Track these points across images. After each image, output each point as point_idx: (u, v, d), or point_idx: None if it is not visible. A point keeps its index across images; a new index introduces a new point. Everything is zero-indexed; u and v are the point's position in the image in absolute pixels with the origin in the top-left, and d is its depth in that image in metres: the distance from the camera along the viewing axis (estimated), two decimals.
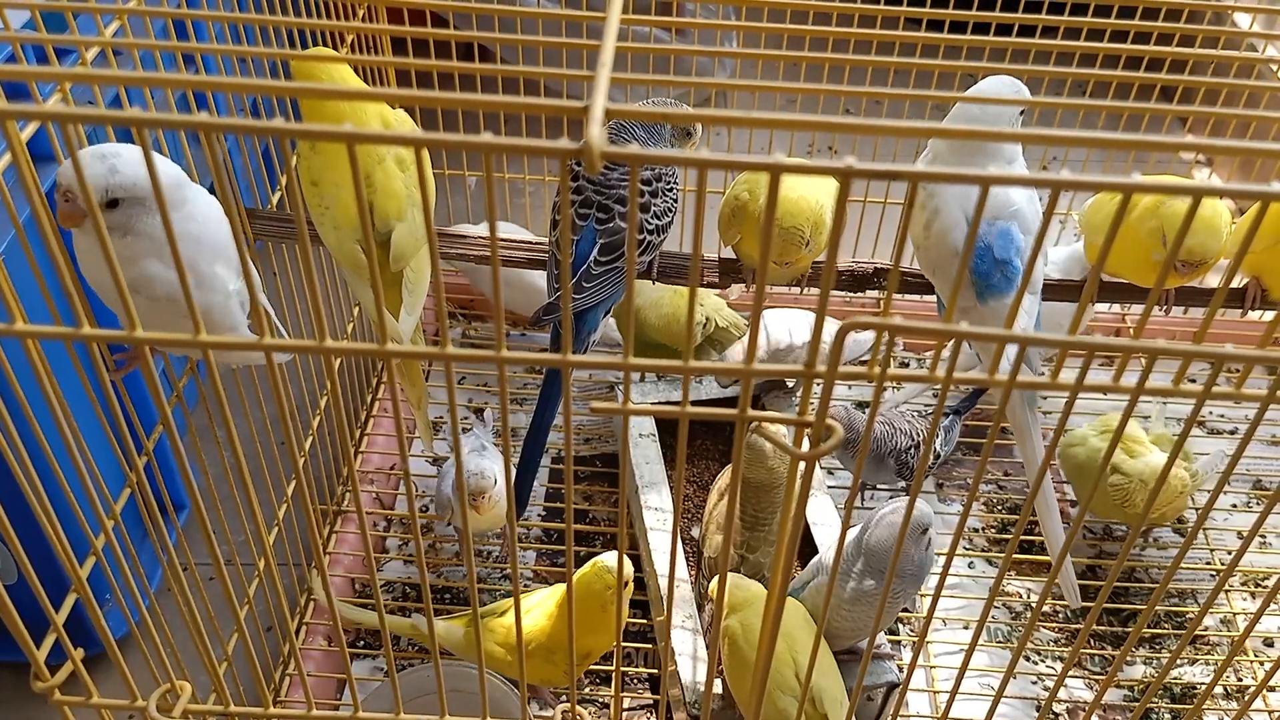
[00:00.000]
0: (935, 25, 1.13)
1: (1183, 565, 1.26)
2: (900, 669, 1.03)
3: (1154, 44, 0.97)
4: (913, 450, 1.17)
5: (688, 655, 1.01)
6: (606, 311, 1.00)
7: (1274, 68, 1.48)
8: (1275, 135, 1.39)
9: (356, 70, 1.00)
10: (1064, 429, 0.51)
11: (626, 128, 0.98)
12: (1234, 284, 1.07)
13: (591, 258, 0.95)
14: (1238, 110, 0.92)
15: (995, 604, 1.22)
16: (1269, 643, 1.20)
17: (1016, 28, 0.89)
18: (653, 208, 0.97)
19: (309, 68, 0.88)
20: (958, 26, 1.15)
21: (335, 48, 1.12)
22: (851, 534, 0.96)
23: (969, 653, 0.62)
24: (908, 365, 1.52)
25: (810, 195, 0.99)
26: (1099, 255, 0.45)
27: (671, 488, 1.17)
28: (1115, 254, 1.03)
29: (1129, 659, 1.16)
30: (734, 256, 1.07)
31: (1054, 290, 1.06)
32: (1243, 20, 1.74)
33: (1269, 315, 1.13)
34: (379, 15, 1.24)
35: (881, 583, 0.92)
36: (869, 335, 1.31)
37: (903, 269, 1.06)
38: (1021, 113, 0.97)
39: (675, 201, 1.00)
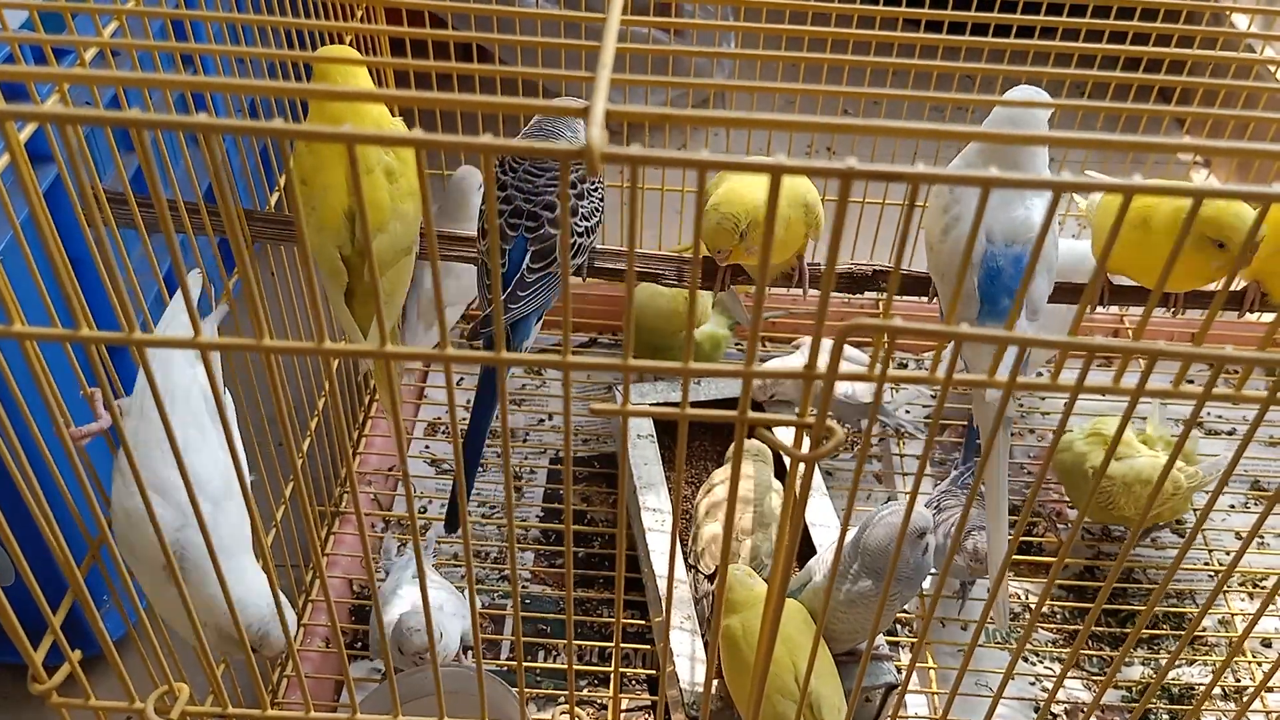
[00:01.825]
0: (934, 26, 1.13)
1: (1181, 566, 1.26)
2: (898, 670, 1.03)
3: (1152, 45, 0.97)
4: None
5: (686, 656, 1.01)
6: (538, 319, 0.99)
7: (1272, 68, 1.48)
8: (1273, 136, 1.39)
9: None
10: (1064, 430, 0.51)
11: (548, 127, 0.98)
12: (1234, 287, 1.07)
13: (524, 266, 0.94)
14: (1236, 111, 0.92)
15: (993, 604, 1.22)
16: (1267, 643, 1.20)
17: (1015, 29, 0.89)
18: (580, 210, 0.97)
19: (323, 68, 0.88)
20: (956, 27, 1.15)
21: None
22: (849, 535, 0.96)
23: (968, 654, 0.62)
24: (906, 366, 1.52)
25: (756, 191, 0.98)
26: (1099, 258, 0.44)
27: (670, 489, 1.16)
28: (1132, 259, 1.02)
29: (1127, 660, 1.16)
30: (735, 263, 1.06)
31: (1066, 294, 1.05)
32: (1241, 21, 1.74)
33: (1268, 316, 1.12)
34: (377, 16, 1.24)
35: (878, 584, 0.92)
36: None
37: (901, 270, 1.05)
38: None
39: (602, 201, 1.00)
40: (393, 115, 0.95)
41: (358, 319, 0.94)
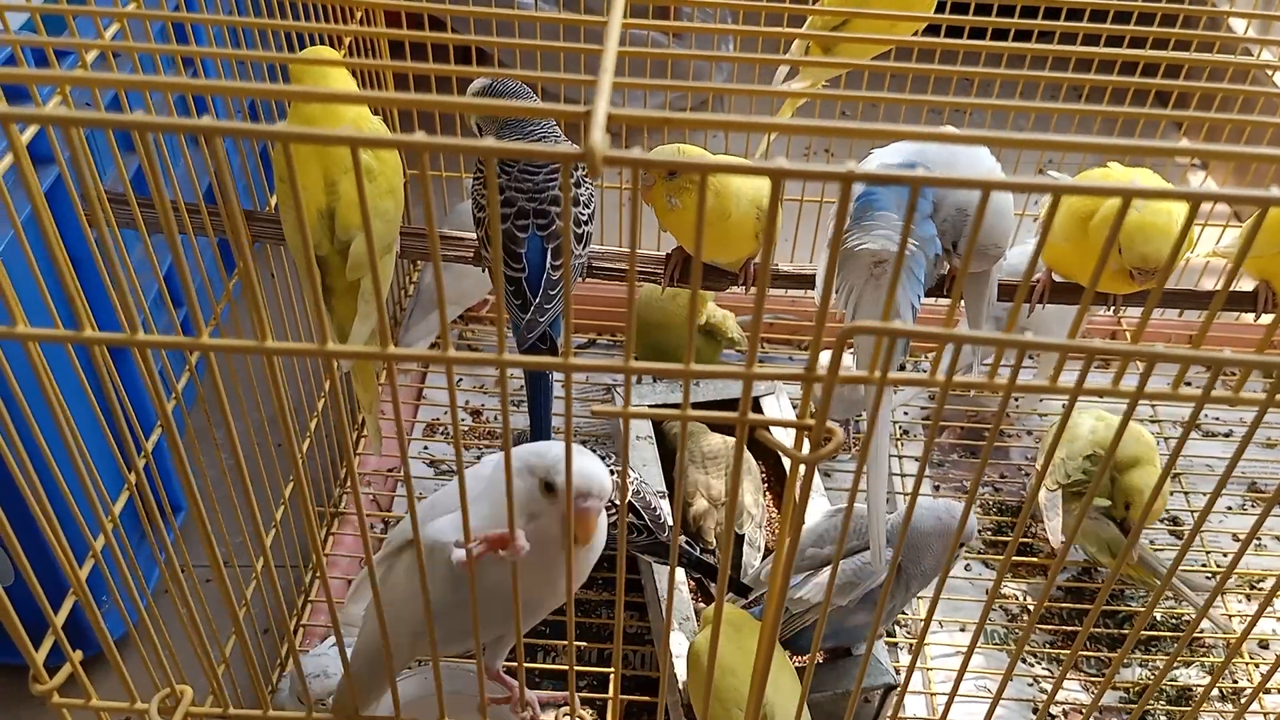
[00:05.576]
0: (932, 30, 1.13)
1: (1179, 568, 1.26)
2: (897, 671, 1.03)
3: (1149, 48, 0.97)
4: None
5: (685, 658, 1.01)
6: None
7: (1269, 72, 1.49)
8: (1270, 140, 1.40)
9: (354, 74, 0.99)
10: (1063, 431, 0.51)
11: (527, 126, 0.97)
12: (1245, 289, 1.07)
13: (547, 265, 0.92)
14: (1233, 115, 0.93)
15: (992, 606, 1.22)
16: (1264, 645, 1.20)
17: (1013, 32, 0.89)
18: (581, 198, 0.96)
19: (299, 69, 0.88)
20: (954, 31, 1.15)
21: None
22: (849, 562, 0.96)
23: (967, 655, 0.62)
24: (904, 368, 1.52)
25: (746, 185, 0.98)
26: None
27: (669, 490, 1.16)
28: (1078, 261, 1.02)
29: (1126, 661, 1.16)
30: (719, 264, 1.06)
31: (1001, 291, 1.05)
32: (1238, 25, 1.75)
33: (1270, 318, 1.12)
34: (377, 19, 1.24)
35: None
36: None
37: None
38: None
39: (591, 184, 1.00)
40: (386, 118, 0.95)
41: (337, 318, 0.94)
